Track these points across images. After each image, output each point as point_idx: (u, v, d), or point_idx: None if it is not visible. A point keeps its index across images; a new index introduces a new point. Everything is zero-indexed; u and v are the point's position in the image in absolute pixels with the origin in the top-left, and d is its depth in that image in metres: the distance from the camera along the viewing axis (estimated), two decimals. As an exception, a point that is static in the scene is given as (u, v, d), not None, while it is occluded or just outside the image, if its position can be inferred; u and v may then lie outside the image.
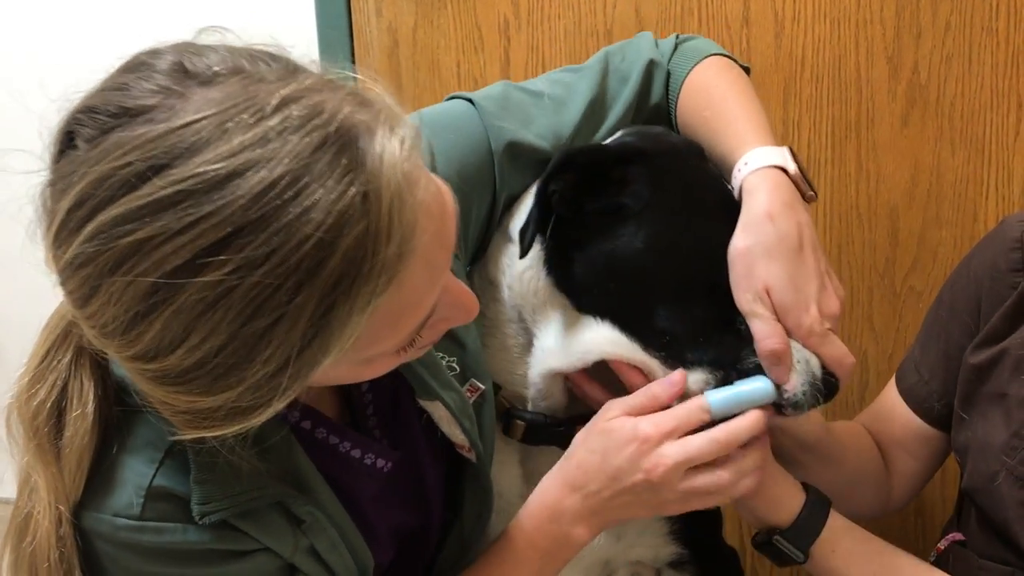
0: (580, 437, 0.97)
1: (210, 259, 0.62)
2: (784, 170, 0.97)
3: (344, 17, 1.70)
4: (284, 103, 0.64)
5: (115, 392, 0.81)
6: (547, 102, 1.08)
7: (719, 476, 0.93)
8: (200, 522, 0.79)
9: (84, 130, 0.66)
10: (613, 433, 0.93)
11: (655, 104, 1.11)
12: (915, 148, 1.51)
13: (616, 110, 1.09)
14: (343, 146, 0.64)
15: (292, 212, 0.62)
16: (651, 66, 1.11)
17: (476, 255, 1.09)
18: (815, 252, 0.95)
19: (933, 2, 1.45)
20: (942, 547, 1.15)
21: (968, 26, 1.45)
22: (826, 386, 0.96)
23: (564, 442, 1.05)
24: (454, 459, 1.03)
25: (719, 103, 1.05)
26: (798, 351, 0.94)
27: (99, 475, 0.79)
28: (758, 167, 0.96)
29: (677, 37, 1.15)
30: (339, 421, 0.97)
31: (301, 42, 1.79)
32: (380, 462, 0.96)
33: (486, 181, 1.04)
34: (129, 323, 0.65)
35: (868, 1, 1.47)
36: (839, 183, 1.55)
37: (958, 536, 1.15)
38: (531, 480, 1.10)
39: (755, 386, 0.93)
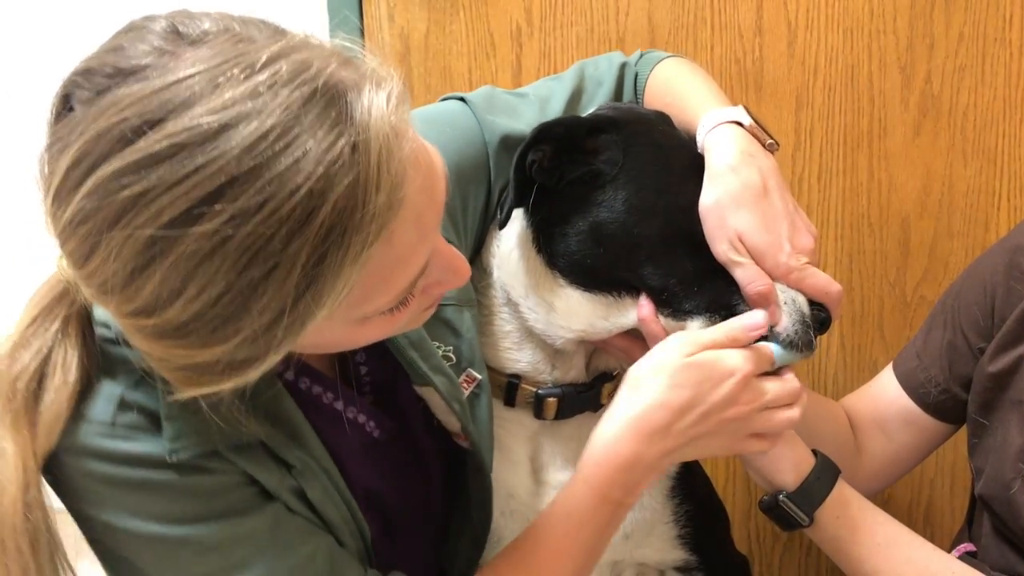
0: (643, 377, 0.93)
1: (205, 209, 0.63)
2: (740, 124, 1.01)
3: (356, 22, 1.69)
4: (273, 59, 0.66)
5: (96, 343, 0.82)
6: (532, 99, 1.14)
7: (790, 415, 0.96)
8: (171, 458, 0.79)
9: (81, 92, 0.67)
10: (706, 368, 0.91)
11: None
12: (927, 158, 1.51)
13: (593, 106, 1.15)
14: (331, 99, 0.66)
15: (283, 162, 0.64)
16: (623, 69, 1.18)
17: (476, 249, 1.11)
18: (781, 194, 0.98)
19: (946, 13, 1.45)
20: (953, 557, 1.15)
21: (981, 37, 1.45)
22: (817, 320, 0.98)
23: (595, 405, 1.09)
24: (456, 454, 1.04)
25: (678, 89, 1.12)
26: (784, 292, 0.97)
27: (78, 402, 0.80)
28: (714, 125, 1.01)
29: (641, 52, 1.23)
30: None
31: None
32: (362, 417, 0.97)
33: (481, 173, 1.07)
34: (129, 277, 0.66)
35: (881, 11, 1.47)
36: (851, 192, 1.55)
37: (969, 547, 1.15)
38: (541, 477, 1.11)
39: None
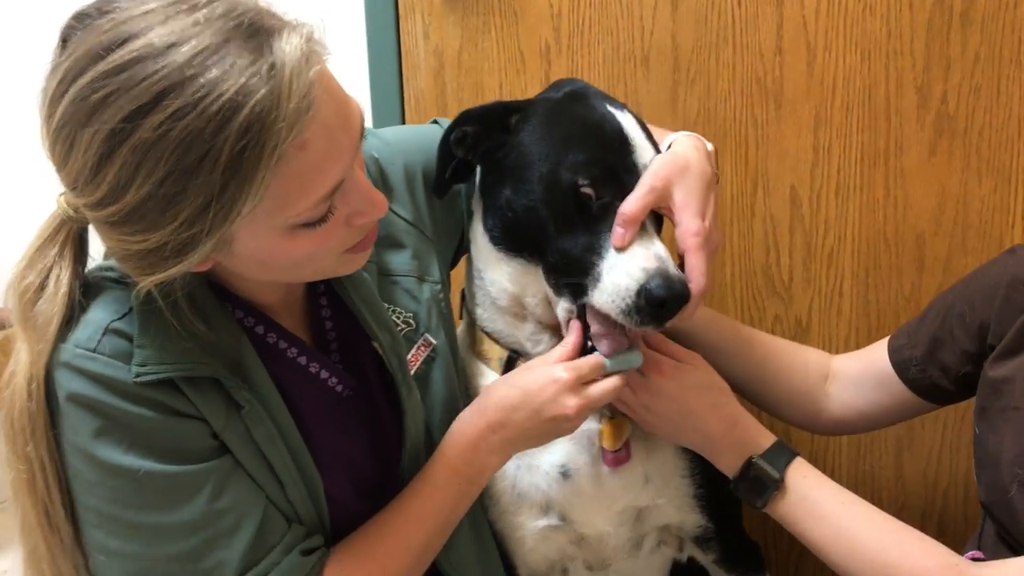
0: (498, 383, 1.13)
1: (153, 106, 0.81)
2: (704, 143, 1.15)
3: (393, 40, 1.77)
4: (212, 1, 0.86)
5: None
6: None
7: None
8: (136, 379, 0.94)
9: (74, 31, 0.87)
10: (534, 373, 1.10)
11: None
12: (942, 176, 1.54)
13: None
14: (255, 32, 0.85)
15: (214, 72, 0.82)
16: None
17: (461, 240, 1.29)
18: (716, 198, 1.12)
19: (963, 34, 1.48)
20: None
21: (997, 58, 1.48)
22: (651, 303, 1.03)
23: None
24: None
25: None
26: (623, 276, 1.04)
27: (72, 324, 0.97)
28: (682, 135, 1.17)
29: None
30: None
31: (352, 64, 1.87)
32: (324, 373, 1.09)
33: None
34: (96, 166, 0.84)
35: (899, 33, 1.51)
36: (867, 209, 1.58)
37: (978, 554, 1.19)
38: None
39: (631, 356, 1.11)
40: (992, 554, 1.15)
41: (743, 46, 1.59)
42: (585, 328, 1.11)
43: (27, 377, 0.95)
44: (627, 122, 1.13)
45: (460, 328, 1.33)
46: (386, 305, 1.14)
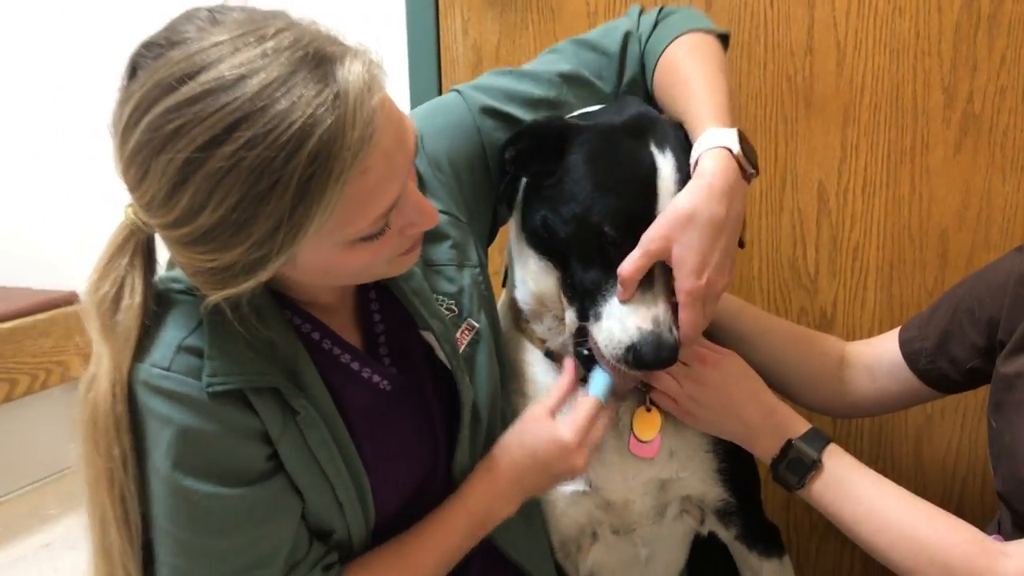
0: (509, 442, 1.18)
1: (226, 136, 0.84)
2: (731, 150, 1.12)
3: (433, 35, 1.82)
4: (278, 32, 0.89)
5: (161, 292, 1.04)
6: (522, 72, 1.32)
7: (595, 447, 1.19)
8: (207, 389, 0.98)
9: (143, 60, 0.90)
10: (540, 435, 1.15)
11: (631, 78, 1.32)
12: (967, 174, 1.58)
13: (603, 84, 1.32)
14: (321, 61, 0.88)
15: (284, 103, 0.85)
16: (626, 39, 1.32)
17: (494, 218, 1.33)
18: (731, 236, 1.11)
19: (989, 36, 1.52)
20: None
21: (1023, 60, 1.51)
22: (634, 357, 1.09)
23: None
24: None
25: (684, 83, 1.22)
26: (619, 329, 1.10)
27: (148, 339, 1.01)
28: (708, 147, 1.13)
29: (660, 11, 1.33)
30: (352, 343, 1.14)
31: (392, 58, 1.92)
32: (376, 377, 1.13)
33: (474, 145, 1.26)
34: (170, 191, 0.88)
35: (927, 34, 1.55)
36: (893, 205, 1.62)
37: (998, 538, 1.23)
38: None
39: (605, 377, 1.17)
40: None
41: (774, 45, 1.63)
42: (579, 354, 1.18)
43: (111, 381, 0.98)
44: (664, 167, 1.13)
45: (501, 301, 1.37)
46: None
